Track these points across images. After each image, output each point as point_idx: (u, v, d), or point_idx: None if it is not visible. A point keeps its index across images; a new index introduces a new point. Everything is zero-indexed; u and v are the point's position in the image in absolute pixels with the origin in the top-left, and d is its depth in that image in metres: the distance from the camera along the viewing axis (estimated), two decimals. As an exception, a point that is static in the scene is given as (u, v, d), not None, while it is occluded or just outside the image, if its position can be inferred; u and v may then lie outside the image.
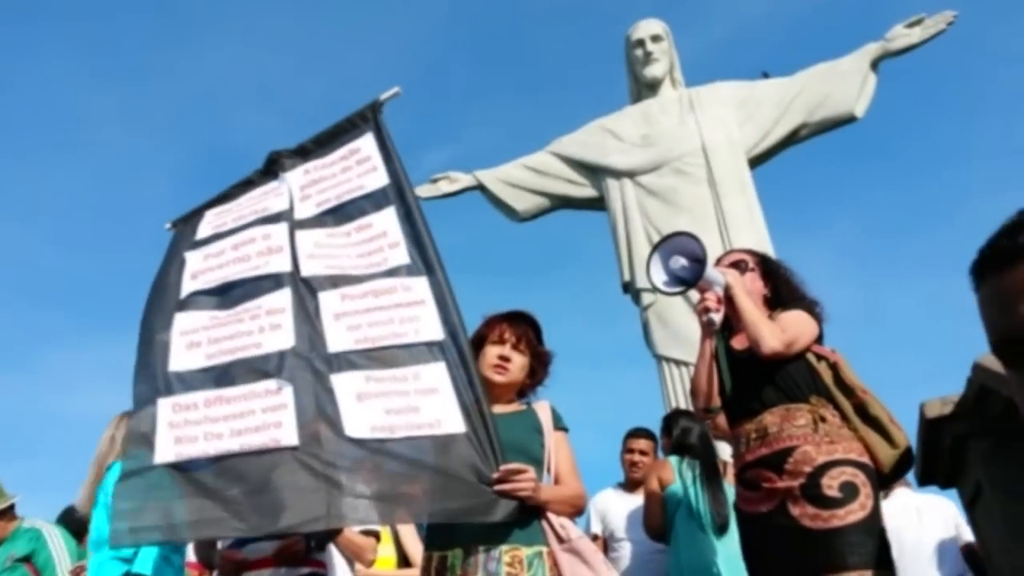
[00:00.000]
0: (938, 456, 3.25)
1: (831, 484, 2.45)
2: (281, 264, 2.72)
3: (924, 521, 4.53)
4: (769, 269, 2.98)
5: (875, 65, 7.36)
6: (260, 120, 25.16)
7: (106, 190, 23.00)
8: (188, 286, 2.84)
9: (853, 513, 2.41)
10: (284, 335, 2.53)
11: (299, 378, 2.42)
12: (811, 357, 2.70)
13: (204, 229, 3.03)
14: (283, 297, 2.63)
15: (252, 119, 25.29)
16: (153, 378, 2.60)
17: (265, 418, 2.37)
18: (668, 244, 2.69)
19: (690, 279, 2.63)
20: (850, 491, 2.44)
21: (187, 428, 2.43)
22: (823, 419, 2.57)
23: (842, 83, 7.34)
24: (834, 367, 2.69)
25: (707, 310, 2.69)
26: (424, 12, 24.01)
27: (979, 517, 3.20)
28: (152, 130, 22.61)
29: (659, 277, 2.67)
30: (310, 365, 2.45)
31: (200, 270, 2.87)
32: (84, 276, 24.28)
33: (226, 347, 2.61)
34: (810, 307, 2.82)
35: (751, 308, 2.69)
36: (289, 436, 2.31)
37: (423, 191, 8.08)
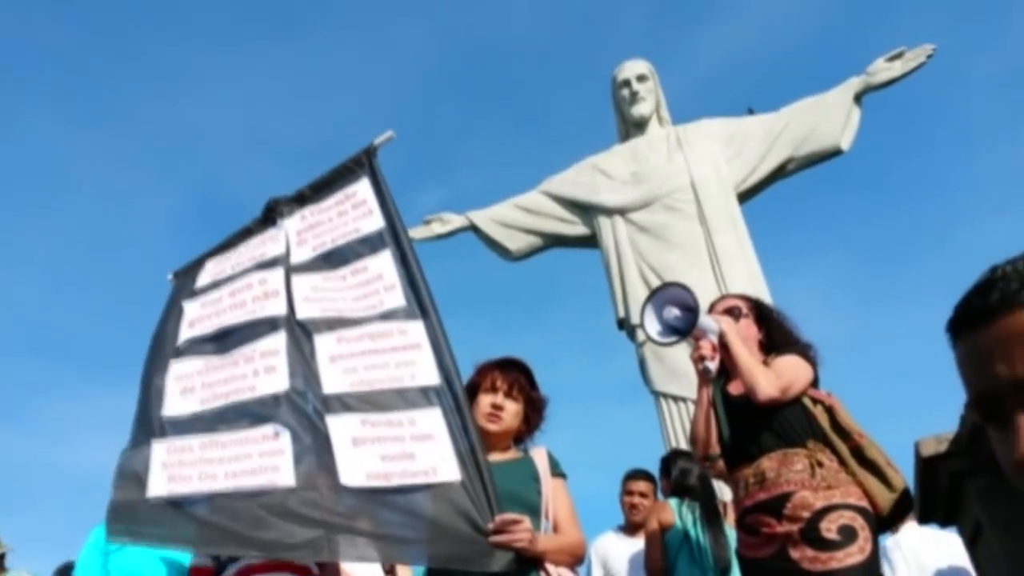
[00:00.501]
0: (936, 494, 3.25)
1: (830, 527, 2.47)
2: (276, 308, 2.74)
3: (941, 550, 4.54)
4: (763, 314, 3.01)
5: (859, 98, 7.48)
6: (252, 164, 25.39)
7: (100, 239, 23.06)
8: (185, 334, 2.87)
9: (852, 556, 2.42)
10: (279, 378, 2.54)
11: (295, 423, 2.43)
12: (807, 401, 2.73)
13: (203, 278, 3.06)
14: (278, 340, 2.65)
15: (244, 163, 25.54)
16: (149, 423, 2.62)
17: (262, 462, 2.38)
18: (660, 295, 2.73)
19: (683, 328, 2.66)
20: (848, 534, 2.46)
21: (181, 468, 2.44)
22: (820, 464, 2.59)
23: (827, 117, 7.46)
24: (830, 411, 2.72)
25: (702, 358, 2.72)
26: (413, 55, 24.41)
27: (980, 555, 3.19)
28: (143, 177, 22.79)
29: (653, 328, 2.71)
30: (305, 408, 2.47)
31: (197, 318, 2.91)
32: (80, 325, 24.18)
33: (220, 391, 2.62)
34: (804, 351, 2.85)
35: (746, 355, 2.72)
36: (286, 479, 2.33)
37: (416, 233, 8.14)
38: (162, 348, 2.86)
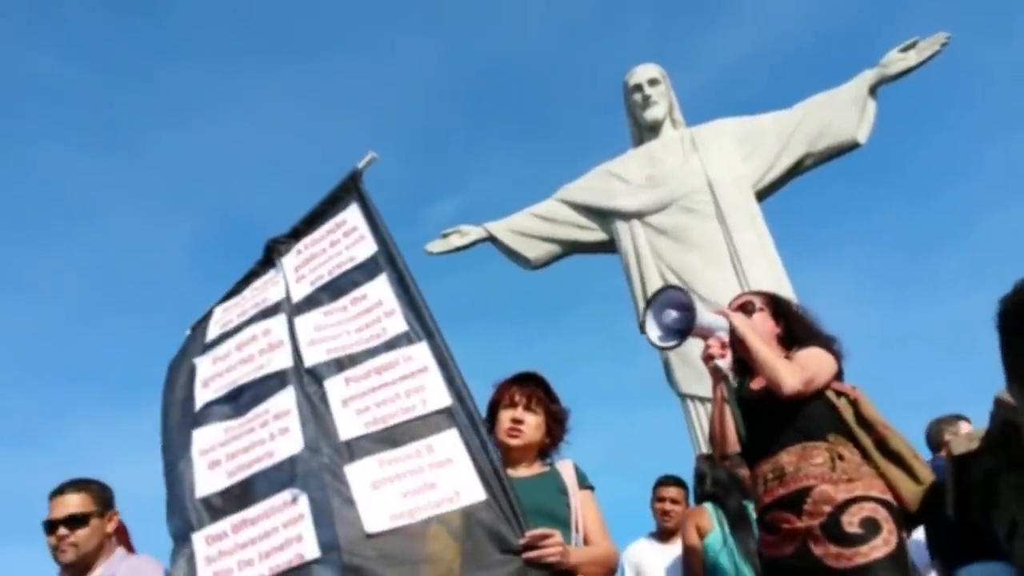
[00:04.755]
0: (970, 492, 3.23)
1: (851, 521, 2.39)
2: (283, 360, 2.70)
3: None
4: (779, 308, 2.93)
5: (873, 91, 7.42)
6: (269, 188, 25.55)
7: (122, 267, 23.29)
8: (201, 396, 2.81)
9: (877, 549, 2.33)
10: (293, 439, 2.49)
11: (312, 483, 2.37)
12: (831, 394, 2.65)
13: (212, 329, 3.01)
14: (288, 398, 2.60)
15: (261, 188, 25.70)
16: (183, 510, 2.55)
17: (287, 534, 2.33)
18: (657, 300, 2.68)
19: (683, 327, 2.60)
20: (872, 527, 2.37)
21: (222, 560, 2.40)
22: (841, 457, 2.51)
23: (842, 111, 7.41)
24: (855, 404, 2.63)
25: (711, 357, 2.65)
26: (421, 71, 24.47)
27: (1017, 552, 3.16)
28: (161, 206, 23.01)
29: (655, 333, 2.65)
30: (321, 464, 2.41)
31: (210, 376, 2.85)
32: (106, 352, 24.42)
33: (243, 461, 2.56)
34: (826, 344, 2.76)
35: (763, 349, 2.64)
36: (311, 549, 2.27)
37: (435, 246, 8.20)
38: (179, 416, 2.81)
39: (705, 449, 5.97)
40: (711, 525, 3.90)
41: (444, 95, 25.09)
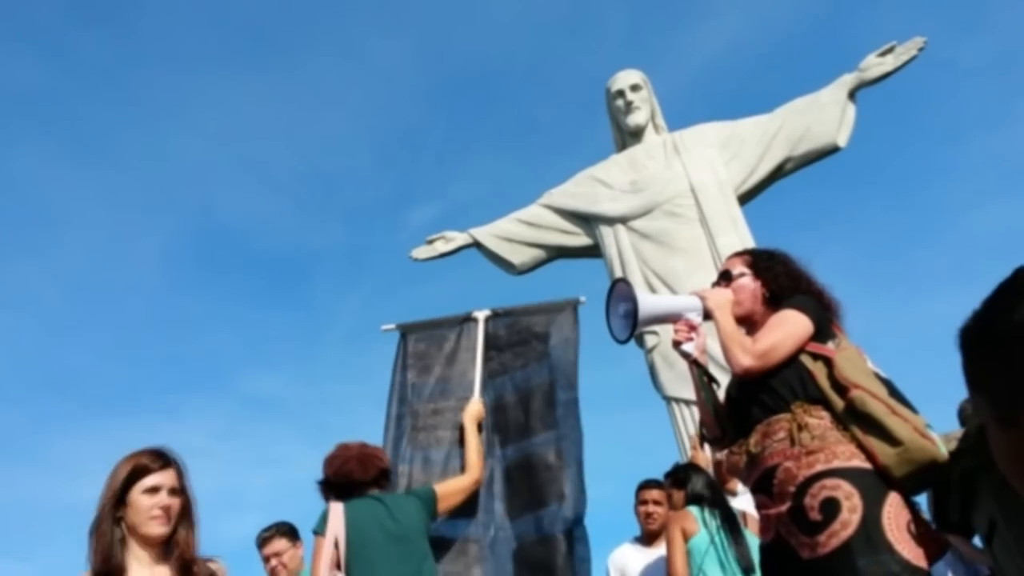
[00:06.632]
0: (948, 492, 3.24)
1: (813, 505, 2.24)
2: None
3: None
4: (760, 267, 2.75)
5: (852, 95, 7.51)
6: (244, 194, 25.29)
7: (97, 276, 22.97)
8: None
9: (835, 536, 2.18)
10: None
11: None
12: (806, 358, 2.46)
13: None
14: None
15: (236, 193, 25.37)
16: None
17: None
18: (611, 298, 2.74)
19: (632, 313, 2.62)
20: (831, 509, 2.21)
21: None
22: (802, 427, 2.34)
23: (822, 115, 7.48)
24: (829, 364, 2.41)
25: (678, 343, 2.64)
26: (397, 75, 24.39)
27: (997, 551, 3.18)
28: (136, 213, 22.61)
29: (615, 326, 2.73)
30: None
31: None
32: (83, 362, 23.97)
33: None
34: (801, 303, 2.55)
35: (725, 327, 2.56)
36: None
37: (420, 252, 8.20)
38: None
39: (691, 454, 6.00)
40: (696, 528, 3.92)
41: (421, 98, 25.08)
